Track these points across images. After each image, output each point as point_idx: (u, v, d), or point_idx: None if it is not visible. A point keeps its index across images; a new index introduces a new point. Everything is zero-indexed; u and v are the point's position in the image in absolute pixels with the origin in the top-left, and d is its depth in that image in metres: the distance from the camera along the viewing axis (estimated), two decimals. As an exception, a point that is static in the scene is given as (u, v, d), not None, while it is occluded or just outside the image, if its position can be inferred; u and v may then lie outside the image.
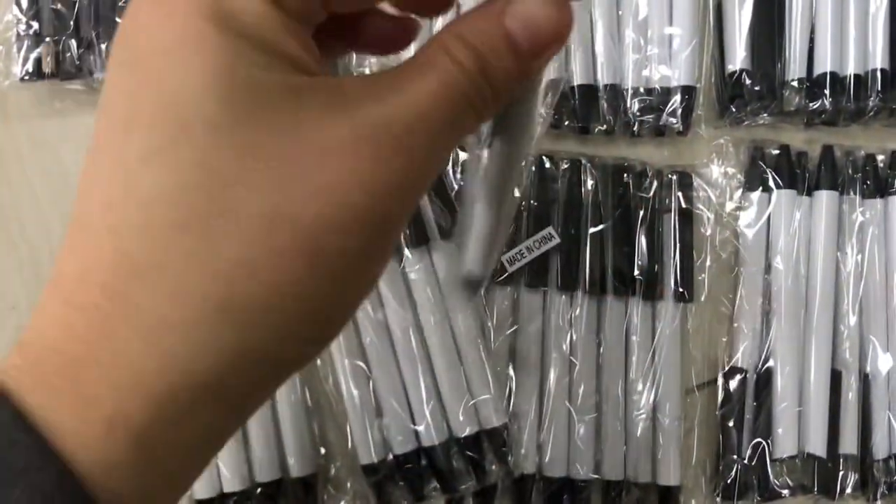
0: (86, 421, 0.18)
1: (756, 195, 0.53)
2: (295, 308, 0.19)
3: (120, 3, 0.48)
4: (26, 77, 0.48)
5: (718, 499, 0.51)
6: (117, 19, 0.48)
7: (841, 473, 0.51)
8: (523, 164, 0.23)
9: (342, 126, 0.19)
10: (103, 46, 0.48)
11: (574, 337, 0.50)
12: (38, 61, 0.48)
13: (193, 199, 0.18)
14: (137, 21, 0.20)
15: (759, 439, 0.51)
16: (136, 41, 0.20)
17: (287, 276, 0.19)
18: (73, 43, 0.48)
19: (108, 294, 0.19)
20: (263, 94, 0.19)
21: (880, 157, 0.54)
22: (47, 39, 0.48)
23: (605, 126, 0.52)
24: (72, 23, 0.48)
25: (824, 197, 0.53)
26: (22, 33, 0.48)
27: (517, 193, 0.25)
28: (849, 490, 0.51)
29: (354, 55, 0.51)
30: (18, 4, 0.48)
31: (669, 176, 0.52)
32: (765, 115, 0.53)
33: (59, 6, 0.48)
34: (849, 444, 0.51)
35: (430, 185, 0.23)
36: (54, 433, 0.18)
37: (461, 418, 0.47)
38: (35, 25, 0.48)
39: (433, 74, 0.20)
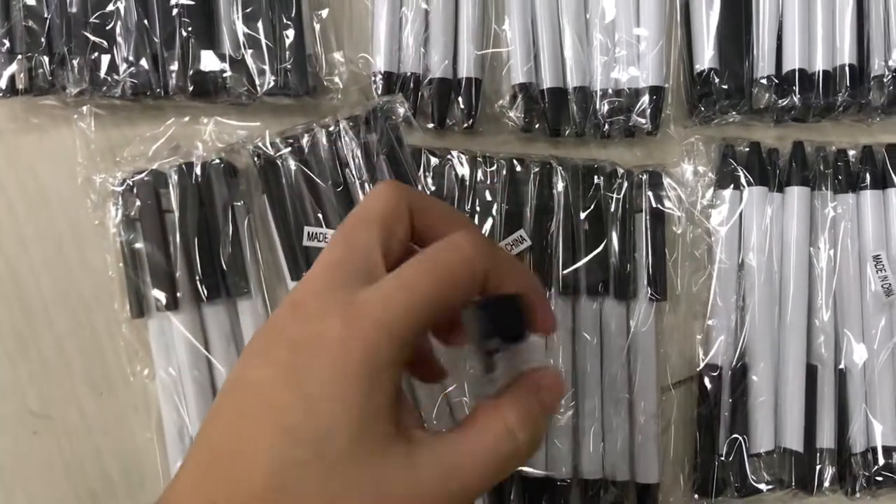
0: None
1: (728, 193, 0.53)
2: None
3: (91, 19, 0.49)
4: (0, 94, 0.49)
5: (696, 496, 0.51)
6: (88, 35, 0.49)
7: (818, 468, 0.51)
8: None
9: (408, 479, 0.26)
10: (75, 62, 0.49)
11: (549, 337, 0.50)
12: (12, 78, 0.49)
13: None
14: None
15: (735, 435, 0.51)
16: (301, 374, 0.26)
17: None
18: (46, 59, 0.49)
19: None
20: (379, 442, 0.26)
21: (851, 152, 0.54)
22: (20, 56, 0.49)
23: (575, 128, 0.52)
24: (43, 39, 0.49)
25: (796, 193, 0.53)
26: (-5, 51, 0.49)
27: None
28: (826, 484, 0.51)
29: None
30: (-9, 22, 0.49)
31: (640, 176, 0.52)
32: (734, 113, 0.53)
33: (30, 23, 0.49)
34: (826, 438, 0.52)
35: None
36: None
37: (434, 422, 0.48)
38: (7, 43, 0.49)
39: (489, 437, 0.28)
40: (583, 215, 0.51)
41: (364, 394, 0.25)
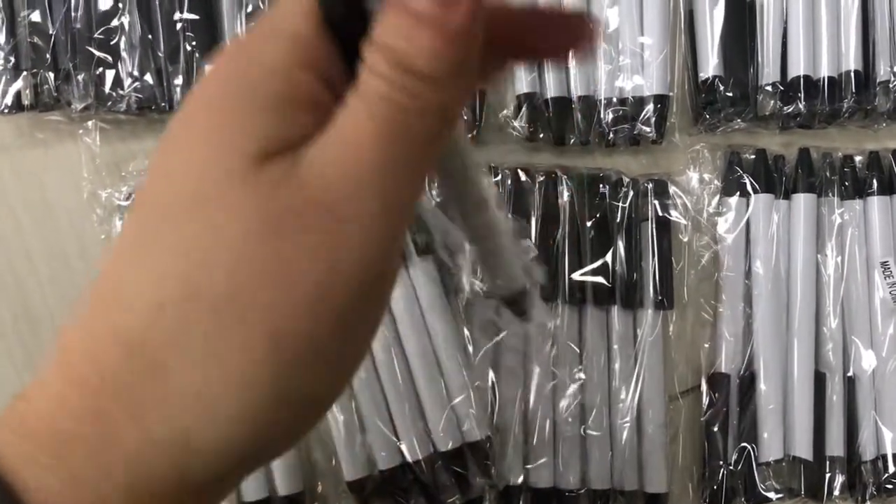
0: (71, 499, 0.18)
1: (734, 200, 0.53)
2: (270, 394, 0.19)
3: (96, 35, 0.49)
4: (6, 110, 0.49)
5: (706, 504, 0.51)
6: (93, 50, 0.49)
7: (828, 476, 0.51)
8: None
9: (279, 199, 0.19)
10: (80, 77, 0.49)
11: (555, 347, 0.50)
12: (18, 94, 0.49)
13: (173, 283, 0.18)
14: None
15: (744, 444, 0.51)
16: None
17: (256, 361, 0.18)
18: (51, 75, 0.49)
19: (101, 372, 0.18)
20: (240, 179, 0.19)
21: (858, 158, 0.54)
22: (25, 72, 0.49)
23: (579, 137, 0.52)
24: (48, 55, 0.49)
25: (802, 199, 0.53)
26: (0, 67, 0.49)
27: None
28: (836, 492, 0.51)
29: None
30: (-4, 39, 0.49)
31: (645, 185, 0.52)
32: (739, 120, 0.53)
33: (35, 39, 0.49)
34: (835, 445, 0.51)
35: (412, 211, 0.21)
36: None
37: (442, 433, 0.48)
38: (13, 59, 0.49)
39: (360, 109, 0.19)
40: (588, 224, 0.51)
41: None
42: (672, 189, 0.52)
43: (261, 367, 0.19)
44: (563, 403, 0.50)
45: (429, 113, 0.19)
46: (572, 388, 0.50)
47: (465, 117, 0.51)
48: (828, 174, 0.53)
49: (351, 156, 0.19)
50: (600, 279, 0.50)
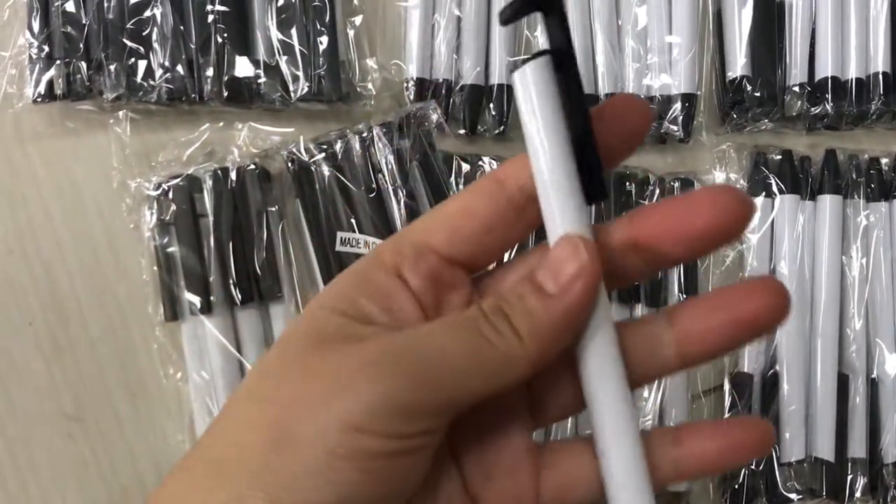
0: None
1: (759, 200, 0.53)
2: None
3: (128, 25, 0.49)
4: (39, 99, 0.49)
5: (726, 504, 0.51)
6: (125, 41, 0.49)
7: (850, 477, 0.51)
8: None
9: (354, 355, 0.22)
10: (112, 67, 0.49)
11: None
12: (50, 83, 0.49)
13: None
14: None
15: (766, 444, 0.51)
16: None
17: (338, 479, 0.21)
18: (83, 64, 0.49)
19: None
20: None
21: (884, 160, 0.54)
22: (58, 62, 0.49)
23: (606, 135, 0.52)
24: (81, 45, 0.49)
25: (828, 201, 0.53)
26: (34, 56, 0.50)
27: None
28: (858, 494, 0.51)
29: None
30: (30, 28, 0.50)
31: (672, 183, 0.52)
32: (766, 120, 0.53)
33: (69, 29, 0.49)
34: (857, 447, 0.51)
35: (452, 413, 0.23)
36: None
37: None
38: (46, 49, 0.49)
39: (451, 314, 0.23)
40: (614, 222, 0.51)
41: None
42: (697, 188, 0.52)
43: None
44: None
45: (498, 347, 0.22)
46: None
47: (494, 115, 0.52)
48: (854, 176, 0.53)
49: (437, 330, 0.23)
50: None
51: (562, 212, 0.23)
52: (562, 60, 0.22)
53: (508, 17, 0.22)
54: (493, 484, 0.25)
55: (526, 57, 0.22)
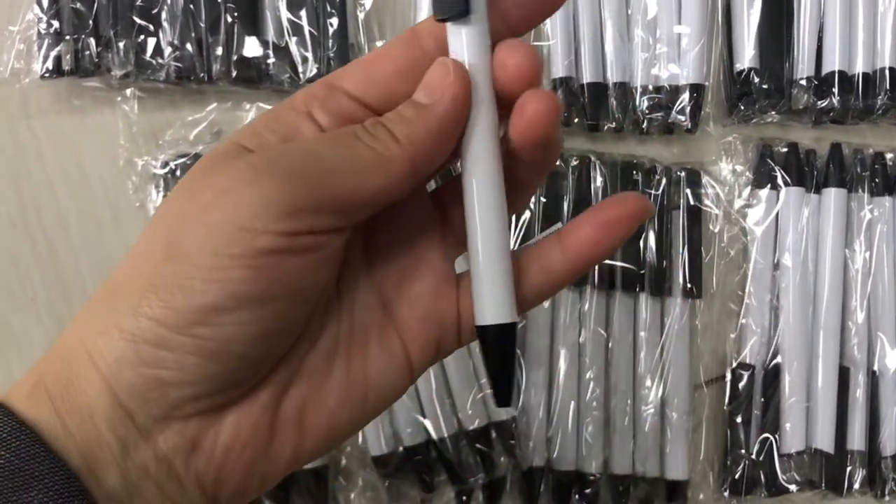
0: (79, 429, 0.22)
1: (765, 192, 0.53)
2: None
3: (137, 3, 0.49)
4: (46, 74, 0.49)
5: (726, 493, 0.51)
6: (135, 18, 0.49)
7: (849, 469, 0.51)
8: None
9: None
10: (121, 45, 0.49)
11: (583, 332, 0.51)
12: (58, 59, 0.49)
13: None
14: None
15: (766, 435, 0.51)
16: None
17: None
18: (92, 41, 0.49)
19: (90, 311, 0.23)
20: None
21: (889, 156, 0.54)
22: (67, 38, 0.49)
23: (614, 124, 0.52)
24: (91, 21, 0.49)
25: (832, 194, 0.53)
26: (42, 32, 0.49)
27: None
28: (856, 486, 0.51)
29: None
30: (39, 4, 0.49)
31: (678, 173, 0.52)
32: (773, 113, 0.53)
33: (78, 5, 0.49)
34: (857, 440, 0.52)
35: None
36: (60, 444, 0.22)
37: (469, 411, 0.48)
38: (55, 24, 0.49)
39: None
40: (620, 211, 0.51)
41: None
42: (704, 179, 0.52)
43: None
44: (589, 388, 0.50)
45: (376, 140, 0.24)
46: (598, 373, 0.50)
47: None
48: (858, 170, 0.54)
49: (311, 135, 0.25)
50: (630, 265, 0.51)
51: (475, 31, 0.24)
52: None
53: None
54: (415, 304, 0.27)
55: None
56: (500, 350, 0.26)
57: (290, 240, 0.22)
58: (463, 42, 0.24)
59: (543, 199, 0.51)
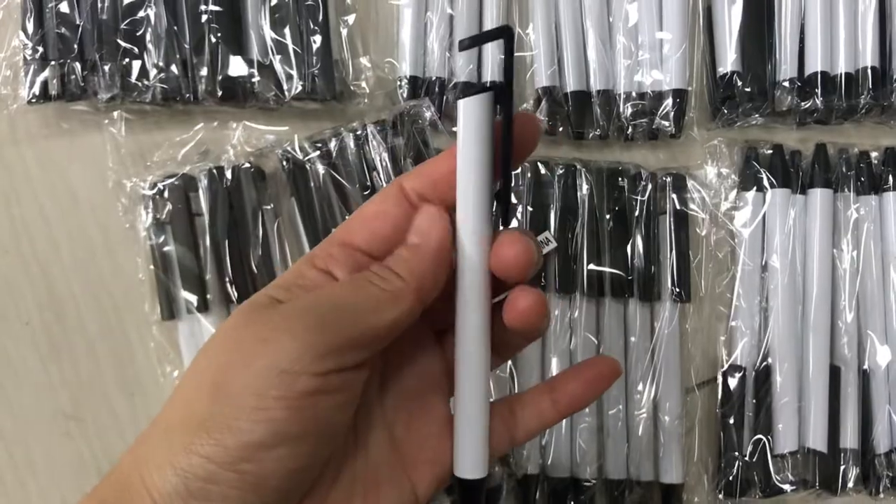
0: None
1: (751, 195, 0.53)
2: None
3: (122, 26, 0.50)
4: (33, 100, 0.50)
5: (721, 496, 0.51)
6: (119, 41, 0.50)
7: (842, 468, 0.52)
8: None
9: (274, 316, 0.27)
10: (106, 68, 0.49)
11: (574, 339, 0.51)
12: (45, 84, 0.50)
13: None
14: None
15: (759, 436, 0.51)
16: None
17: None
18: (78, 65, 0.50)
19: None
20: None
21: (874, 154, 0.55)
22: (53, 62, 0.50)
23: (598, 131, 0.53)
24: (76, 46, 0.50)
25: (818, 195, 0.53)
26: (28, 57, 0.50)
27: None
28: (850, 485, 0.52)
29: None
30: (24, 30, 0.50)
31: (664, 178, 0.53)
32: (756, 115, 0.53)
33: (63, 30, 0.50)
34: (850, 438, 0.52)
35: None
36: None
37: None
38: (41, 49, 0.50)
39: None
40: (607, 217, 0.51)
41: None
42: (690, 183, 0.53)
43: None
44: (581, 394, 0.50)
45: (388, 290, 0.28)
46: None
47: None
48: (844, 170, 0.54)
49: (336, 285, 0.29)
50: (618, 272, 0.51)
51: (475, 213, 0.28)
52: (501, 94, 0.28)
53: (468, 46, 0.27)
54: (424, 446, 0.31)
55: (472, 86, 0.30)
56: (472, 497, 0.31)
57: (324, 380, 0.26)
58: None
59: (531, 209, 0.51)
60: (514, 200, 0.51)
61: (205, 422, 0.25)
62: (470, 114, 0.27)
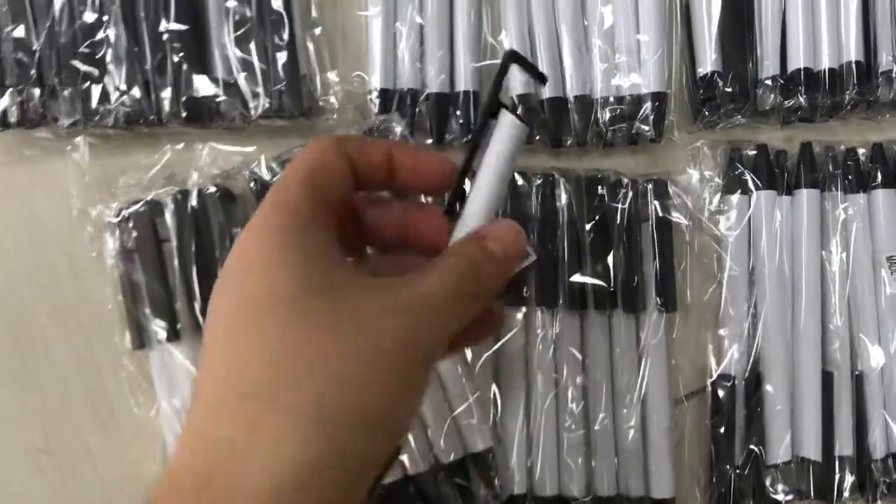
0: None
1: (735, 198, 0.52)
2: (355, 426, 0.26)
3: (81, 49, 0.48)
4: (-7, 127, 0.48)
5: (713, 509, 0.50)
6: (79, 65, 0.48)
7: (838, 476, 0.50)
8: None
9: (385, 299, 0.27)
10: (66, 93, 0.48)
11: (558, 354, 0.49)
12: (4, 111, 0.48)
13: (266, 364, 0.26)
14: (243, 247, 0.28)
15: (751, 446, 0.50)
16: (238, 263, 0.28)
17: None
18: (37, 91, 0.48)
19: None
20: (329, 281, 0.27)
21: (861, 151, 0.53)
22: (10, 89, 0.48)
23: (576, 138, 0.51)
24: (33, 71, 0.48)
25: (805, 195, 0.52)
26: (-15, 84, 0.48)
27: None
28: (846, 493, 0.50)
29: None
30: (-20, 57, 0.49)
31: (645, 185, 0.51)
32: (739, 116, 0.52)
33: (20, 55, 0.48)
34: (844, 445, 0.51)
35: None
36: None
37: (443, 445, 0.47)
38: (-3, 76, 0.48)
39: (445, 265, 0.29)
40: (588, 227, 0.50)
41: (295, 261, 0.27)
42: (672, 188, 0.51)
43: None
44: (567, 410, 0.49)
45: (476, 292, 0.30)
46: (575, 394, 0.49)
47: (461, 122, 0.51)
48: (831, 168, 0.52)
49: (443, 277, 0.29)
50: (601, 283, 0.50)
51: (486, 209, 0.31)
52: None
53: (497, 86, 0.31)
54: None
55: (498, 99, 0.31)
56: None
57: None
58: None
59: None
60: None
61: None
62: (507, 132, 0.30)
